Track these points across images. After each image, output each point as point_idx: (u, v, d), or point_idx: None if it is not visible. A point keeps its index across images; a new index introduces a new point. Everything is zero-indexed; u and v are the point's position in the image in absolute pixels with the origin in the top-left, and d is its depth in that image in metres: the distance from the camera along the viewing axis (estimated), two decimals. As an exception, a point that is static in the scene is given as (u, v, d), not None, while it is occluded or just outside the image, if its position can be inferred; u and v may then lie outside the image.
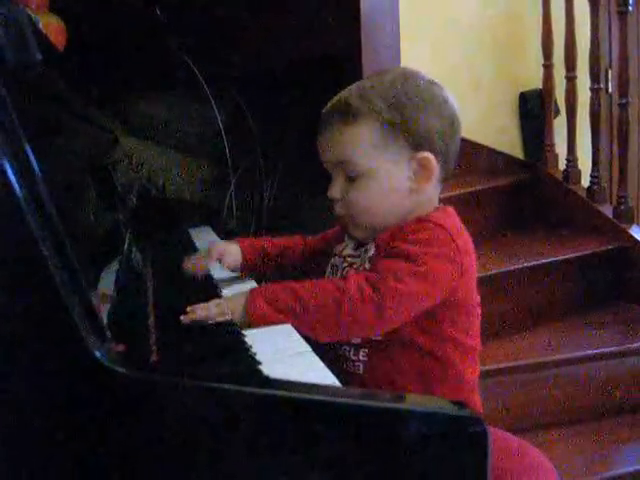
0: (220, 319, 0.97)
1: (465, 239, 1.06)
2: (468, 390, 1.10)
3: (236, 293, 1.03)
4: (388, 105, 1.05)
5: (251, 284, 1.22)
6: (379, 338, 1.05)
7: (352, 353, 1.07)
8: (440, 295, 1.02)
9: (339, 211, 1.10)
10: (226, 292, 1.19)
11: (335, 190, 1.08)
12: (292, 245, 1.28)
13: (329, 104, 1.11)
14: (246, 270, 1.26)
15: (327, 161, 1.10)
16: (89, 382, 0.63)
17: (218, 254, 1.22)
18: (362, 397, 0.67)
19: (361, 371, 1.07)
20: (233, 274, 1.27)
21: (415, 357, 1.05)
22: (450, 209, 1.10)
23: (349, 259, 1.12)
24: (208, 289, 1.17)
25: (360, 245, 1.13)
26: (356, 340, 1.07)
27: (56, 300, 0.63)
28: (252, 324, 0.97)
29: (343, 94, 1.10)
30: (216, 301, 1.00)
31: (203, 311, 0.97)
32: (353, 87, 1.10)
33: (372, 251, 1.08)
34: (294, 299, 0.97)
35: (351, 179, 1.07)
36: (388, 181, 1.06)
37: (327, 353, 0.96)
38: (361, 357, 1.07)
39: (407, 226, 1.05)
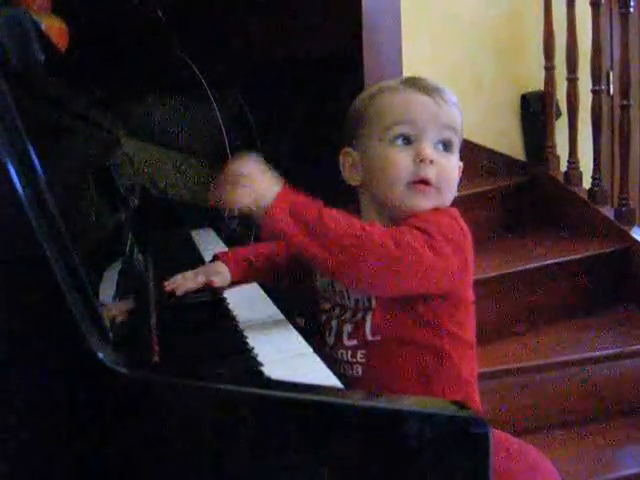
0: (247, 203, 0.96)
1: (469, 236, 1.06)
2: (467, 388, 1.10)
3: (267, 185, 0.98)
4: None
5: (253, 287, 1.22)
6: (378, 338, 1.05)
7: (349, 355, 1.07)
8: (448, 280, 1.02)
9: (431, 174, 1.06)
10: (228, 294, 1.20)
11: (432, 152, 1.06)
12: (276, 250, 1.24)
13: (424, 82, 1.09)
14: (236, 284, 1.22)
15: (431, 122, 1.06)
16: (91, 382, 0.63)
17: (206, 277, 1.17)
18: (364, 398, 0.67)
19: (360, 373, 1.07)
20: None
21: (413, 353, 1.04)
22: (455, 209, 1.11)
23: None
24: (211, 290, 1.17)
25: None
26: (352, 342, 1.07)
27: (58, 301, 0.63)
28: (266, 223, 0.96)
29: (435, 82, 1.10)
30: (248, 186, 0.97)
31: (238, 196, 0.97)
32: (422, 77, 1.11)
33: None
34: (318, 219, 0.95)
35: (446, 148, 1.08)
36: (457, 166, 1.11)
37: (323, 354, 0.96)
38: (359, 359, 1.07)
39: (420, 212, 1.06)
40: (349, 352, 1.07)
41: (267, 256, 1.24)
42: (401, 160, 1.05)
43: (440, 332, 1.05)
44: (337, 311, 1.11)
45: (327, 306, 1.13)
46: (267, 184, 0.98)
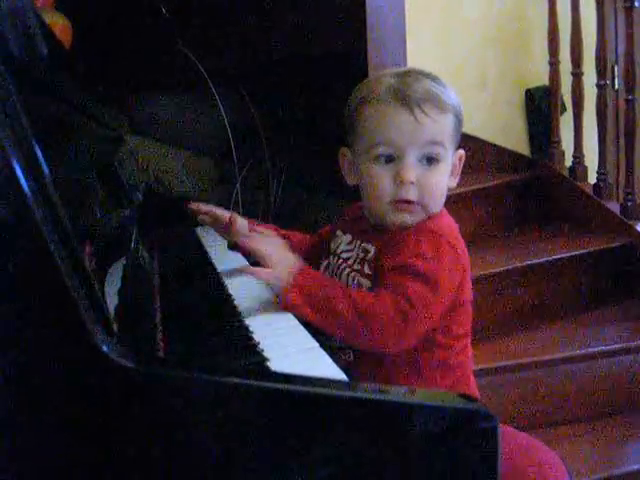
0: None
1: (460, 240, 1.09)
2: (458, 371, 1.11)
3: (284, 269, 1.06)
4: (458, 103, 1.10)
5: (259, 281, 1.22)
6: None
7: (341, 341, 1.09)
8: (450, 299, 1.06)
9: (412, 195, 1.07)
10: (232, 289, 1.19)
11: (412, 174, 1.06)
12: (295, 240, 1.29)
13: (409, 90, 1.06)
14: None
15: (412, 142, 1.06)
16: (96, 376, 0.63)
17: (229, 215, 1.28)
18: (372, 391, 0.67)
19: (352, 358, 1.09)
20: (239, 267, 1.27)
21: None
22: (443, 209, 1.12)
23: (344, 255, 1.14)
24: (215, 286, 1.17)
25: (355, 238, 1.14)
26: None
27: (63, 295, 0.63)
28: (284, 306, 1.03)
29: (425, 85, 1.07)
30: (268, 270, 1.06)
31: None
32: (422, 79, 1.08)
33: (372, 253, 1.09)
34: (328, 303, 1.01)
35: (430, 162, 1.07)
36: (448, 171, 1.11)
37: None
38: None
39: (409, 236, 1.06)
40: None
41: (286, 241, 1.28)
42: (382, 180, 1.07)
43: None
44: None
45: None
46: (283, 270, 1.05)
